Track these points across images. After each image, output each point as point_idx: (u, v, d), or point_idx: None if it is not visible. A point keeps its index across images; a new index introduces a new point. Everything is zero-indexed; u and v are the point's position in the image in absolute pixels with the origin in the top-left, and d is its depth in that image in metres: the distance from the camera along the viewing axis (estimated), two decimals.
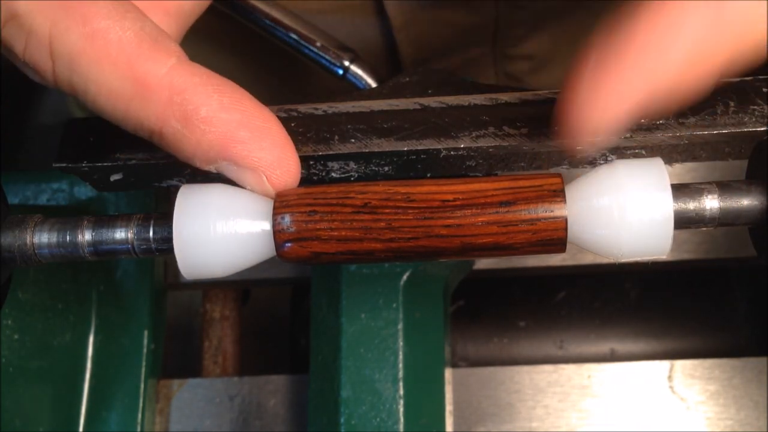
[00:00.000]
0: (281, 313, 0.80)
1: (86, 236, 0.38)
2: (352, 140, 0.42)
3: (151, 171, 0.42)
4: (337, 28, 0.65)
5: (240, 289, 0.69)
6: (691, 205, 0.36)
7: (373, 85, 0.60)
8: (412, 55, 0.68)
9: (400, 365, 0.49)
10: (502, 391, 0.59)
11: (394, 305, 0.49)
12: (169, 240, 0.37)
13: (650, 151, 0.41)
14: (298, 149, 0.41)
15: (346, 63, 0.60)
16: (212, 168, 0.37)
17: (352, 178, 0.42)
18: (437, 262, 0.51)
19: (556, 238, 0.36)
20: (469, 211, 0.36)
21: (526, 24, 0.68)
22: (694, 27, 0.34)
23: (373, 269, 0.49)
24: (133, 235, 0.38)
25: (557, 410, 0.59)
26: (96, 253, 0.38)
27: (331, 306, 0.50)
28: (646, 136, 0.41)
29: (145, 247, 0.38)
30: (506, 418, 0.59)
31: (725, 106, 0.41)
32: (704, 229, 0.37)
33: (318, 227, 0.36)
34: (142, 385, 0.56)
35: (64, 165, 0.42)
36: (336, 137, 0.42)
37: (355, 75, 0.60)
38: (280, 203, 0.37)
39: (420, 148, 0.41)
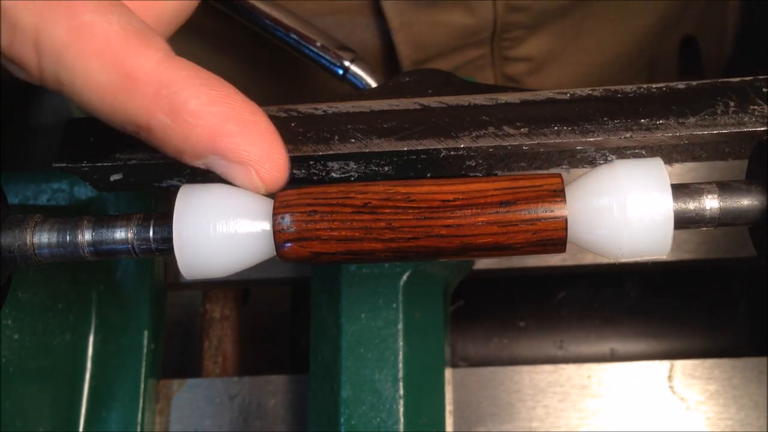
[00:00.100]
0: (281, 313, 0.80)
1: (86, 236, 0.38)
2: (352, 140, 0.42)
3: (151, 171, 0.42)
4: (335, 29, 0.65)
5: (240, 289, 0.69)
6: (691, 205, 0.36)
7: (373, 85, 0.60)
8: (410, 56, 0.68)
9: (400, 365, 0.49)
10: (502, 391, 0.59)
11: (394, 305, 0.49)
12: (169, 240, 0.37)
13: (650, 151, 0.41)
14: (298, 149, 0.42)
15: (346, 63, 0.60)
16: (200, 164, 0.37)
17: (352, 178, 0.42)
18: (437, 262, 0.51)
19: (556, 238, 0.36)
20: (469, 211, 0.36)
21: (524, 26, 0.68)
22: None
23: (373, 269, 0.49)
24: (133, 235, 0.38)
25: (557, 410, 0.59)
26: (96, 253, 0.38)
27: (331, 306, 0.50)
28: (646, 136, 0.41)
29: (145, 247, 0.38)
30: (506, 418, 0.59)
31: (725, 106, 0.41)
32: (704, 229, 0.37)
33: (318, 227, 0.36)
34: (142, 385, 0.56)
35: (64, 165, 0.42)
36: (336, 137, 0.42)
37: (355, 75, 0.60)
38: (280, 203, 0.37)
39: (420, 148, 0.41)
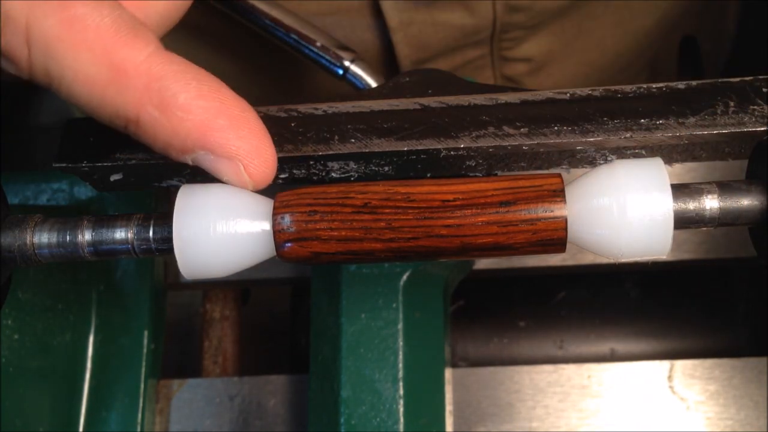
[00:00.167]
0: (281, 313, 0.80)
1: (86, 236, 0.38)
2: (352, 140, 0.42)
3: (151, 171, 0.42)
4: (335, 29, 0.65)
5: (240, 289, 0.69)
6: (691, 205, 0.36)
7: (373, 85, 0.60)
8: (410, 56, 0.68)
9: (400, 365, 0.49)
10: (502, 391, 0.59)
11: (394, 305, 0.49)
12: (169, 240, 0.37)
13: (650, 151, 0.41)
14: (298, 149, 0.42)
15: (346, 63, 0.60)
16: (188, 159, 0.37)
17: (352, 178, 0.42)
18: (437, 262, 0.51)
19: (556, 238, 0.36)
20: (469, 211, 0.36)
21: (524, 26, 0.68)
22: None
23: (373, 269, 0.49)
24: (133, 235, 0.38)
25: (557, 410, 0.59)
26: (96, 253, 0.38)
27: (331, 306, 0.50)
28: (646, 136, 0.41)
29: (145, 247, 0.38)
30: (506, 418, 0.59)
31: (725, 106, 0.41)
32: (704, 229, 0.37)
33: (318, 227, 0.36)
34: (142, 385, 0.56)
35: (64, 165, 0.42)
36: (336, 137, 0.42)
37: (355, 75, 0.60)
38: (280, 203, 0.37)
39: (420, 148, 0.41)
